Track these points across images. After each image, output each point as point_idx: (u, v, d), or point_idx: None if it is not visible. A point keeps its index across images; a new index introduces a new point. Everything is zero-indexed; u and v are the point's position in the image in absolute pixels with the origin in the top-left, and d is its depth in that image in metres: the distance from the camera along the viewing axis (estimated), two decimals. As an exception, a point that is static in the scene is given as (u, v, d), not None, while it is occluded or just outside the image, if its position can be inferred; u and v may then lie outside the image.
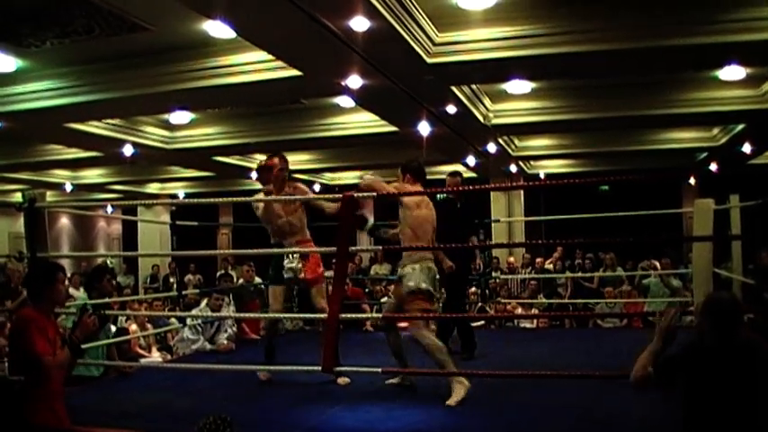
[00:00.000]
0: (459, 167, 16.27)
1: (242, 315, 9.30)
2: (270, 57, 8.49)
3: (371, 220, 5.99)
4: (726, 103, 10.97)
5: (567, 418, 5.06)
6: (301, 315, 8.58)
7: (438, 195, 7.43)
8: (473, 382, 5.60)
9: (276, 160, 6.55)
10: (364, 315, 9.99)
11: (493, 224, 16.33)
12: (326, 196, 6.35)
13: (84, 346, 5.09)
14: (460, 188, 7.64)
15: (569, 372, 5.63)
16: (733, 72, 9.70)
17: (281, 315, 7.06)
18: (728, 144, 13.74)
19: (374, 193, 5.92)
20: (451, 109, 10.48)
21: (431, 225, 6.00)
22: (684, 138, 14.42)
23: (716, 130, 13.95)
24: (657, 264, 12.31)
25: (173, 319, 9.87)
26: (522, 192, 17.96)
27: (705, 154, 15.39)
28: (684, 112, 11.31)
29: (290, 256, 6.45)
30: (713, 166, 15.91)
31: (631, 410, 4.89)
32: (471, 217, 7.89)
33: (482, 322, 10.88)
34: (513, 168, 16.64)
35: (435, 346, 5.67)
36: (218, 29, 7.80)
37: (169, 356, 9.40)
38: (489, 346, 8.07)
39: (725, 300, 3.76)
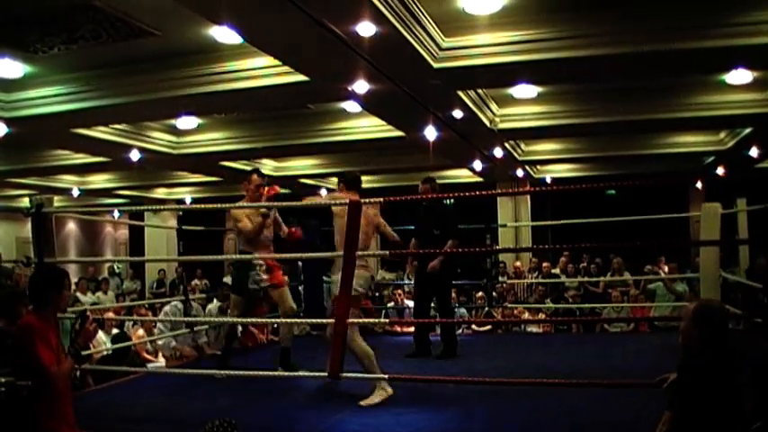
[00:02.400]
0: (465, 172, 16.36)
1: (245, 320, 9.29)
2: (276, 62, 8.48)
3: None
4: (733, 107, 10.93)
5: (576, 425, 5.06)
6: (308, 320, 8.61)
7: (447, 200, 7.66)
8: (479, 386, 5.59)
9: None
10: (372, 320, 9.99)
11: (499, 229, 16.31)
12: (332, 202, 6.35)
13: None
14: (468, 194, 7.65)
15: (577, 377, 5.63)
16: (740, 76, 9.69)
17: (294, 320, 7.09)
18: (735, 148, 13.69)
19: (380, 199, 5.95)
20: (458, 113, 10.47)
21: (362, 232, 6.12)
22: (691, 142, 14.37)
23: (723, 134, 13.91)
24: (664, 267, 12.29)
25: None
26: (528, 196, 17.94)
27: (712, 158, 15.34)
28: (691, 115, 11.28)
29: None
30: (720, 170, 15.87)
31: (640, 417, 4.87)
32: (444, 221, 8.02)
33: (488, 327, 10.91)
34: (520, 173, 16.62)
35: (363, 352, 5.91)
36: (224, 34, 7.81)
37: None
38: (496, 351, 8.07)
39: (715, 309, 3.76)
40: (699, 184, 17.12)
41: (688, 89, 10.89)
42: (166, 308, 10.01)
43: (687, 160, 15.52)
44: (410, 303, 11.18)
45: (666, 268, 12.17)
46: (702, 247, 8.32)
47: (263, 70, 8.81)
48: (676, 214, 12.89)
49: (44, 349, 4.23)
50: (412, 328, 9.66)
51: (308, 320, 8.74)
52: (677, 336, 3.84)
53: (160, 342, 9.55)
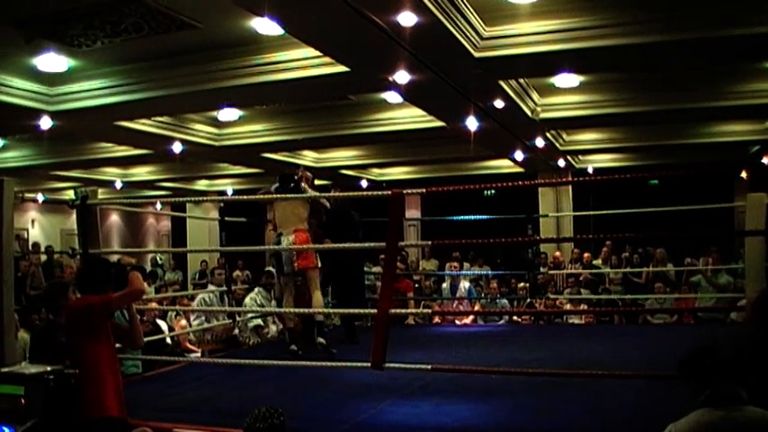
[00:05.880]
0: (506, 162, 16.28)
1: (286, 309, 9.35)
2: (317, 53, 8.51)
3: None
4: (780, 95, 10.74)
5: (620, 417, 5.02)
6: (349, 310, 8.62)
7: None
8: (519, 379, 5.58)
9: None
10: (411, 310, 10.01)
11: (541, 219, 16.21)
12: (374, 193, 6.37)
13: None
14: (506, 184, 7.62)
15: (621, 369, 5.59)
16: (788, 63, 9.52)
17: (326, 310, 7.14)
18: (782, 137, 13.48)
19: (423, 190, 5.95)
20: (499, 103, 10.41)
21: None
22: (736, 131, 14.13)
23: (769, 123, 13.69)
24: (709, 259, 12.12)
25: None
26: (570, 186, 17.78)
27: (758, 147, 15.10)
28: (737, 104, 11.08)
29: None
30: (766, 160, 15.61)
31: (683, 410, 4.81)
32: (343, 221, 8.56)
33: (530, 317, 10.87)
34: (562, 163, 16.49)
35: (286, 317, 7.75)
36: (265, 26, 7.83)
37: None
38: (538, 342, 8.02)
39: None
40: (744, 174, 16.85)
41: (733, 76, 10.71)
42: (202, 296, 10.08)
43: (732, 149, 15.29)
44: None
45: (710, 260, 11.99)
46: (747, 237, 8.20)
47: (303, 61, 8.84)
48: (721, 204, 12.70)
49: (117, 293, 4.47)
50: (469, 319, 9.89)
51: (348, 310, 8.76)
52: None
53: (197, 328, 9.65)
